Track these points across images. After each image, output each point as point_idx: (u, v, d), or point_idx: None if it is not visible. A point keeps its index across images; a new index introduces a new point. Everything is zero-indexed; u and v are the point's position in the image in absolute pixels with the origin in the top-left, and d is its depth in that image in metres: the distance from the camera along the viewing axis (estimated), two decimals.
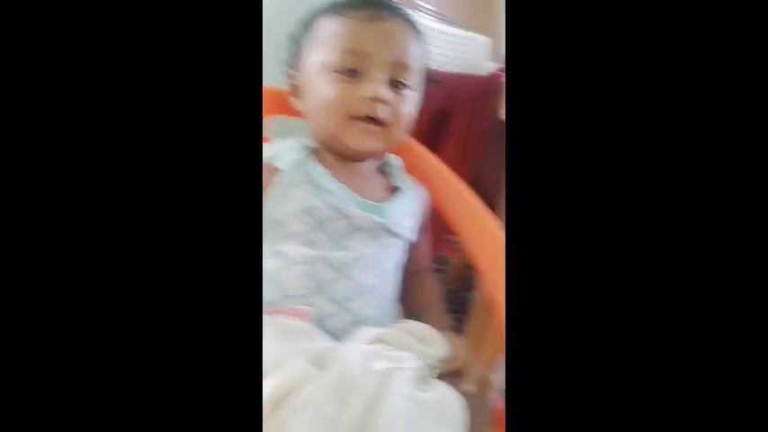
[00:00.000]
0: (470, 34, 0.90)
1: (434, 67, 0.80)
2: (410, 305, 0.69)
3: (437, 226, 0.74)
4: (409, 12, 0.71)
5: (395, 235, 0.66)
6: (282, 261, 0.61)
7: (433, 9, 0.90)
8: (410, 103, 0.68)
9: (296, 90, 0.72)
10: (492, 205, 0.69)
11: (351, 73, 0.64)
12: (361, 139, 0.65)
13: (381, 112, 0.64)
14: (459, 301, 0.79)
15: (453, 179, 0.74)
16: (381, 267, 0.64)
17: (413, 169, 0.75)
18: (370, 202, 0.65)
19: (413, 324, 0.61)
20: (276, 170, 0.65)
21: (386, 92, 0.63)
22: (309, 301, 0.60)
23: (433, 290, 0.72)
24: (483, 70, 0.91)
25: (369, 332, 0.56)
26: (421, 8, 0.89)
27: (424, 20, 0.86)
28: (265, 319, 0.56)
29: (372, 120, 0.65)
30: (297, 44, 0.72)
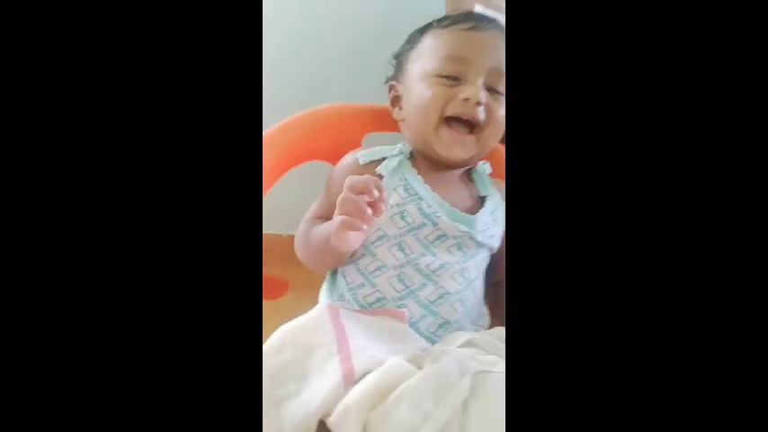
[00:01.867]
0: None
1: None
2: (496, 314, 0.72)
3: None
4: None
5: (480, 245, 0.69)
6: (376, 263, 0.65)
7: None
8: (504, 110, 0.70)
9: (396, 100, 0.75)
10: None
11: (450, 78, 0.67)
12: (452, 146, 0.67)
13: (477, 112, 0.66)
14: None
15: None
16: (465, 275, 0.67)
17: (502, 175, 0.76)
18: (459, 212, 0.68)
19: (502, 330, 0.63)
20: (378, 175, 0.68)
21: (483, 94, 0.66)
22: (402, 303, 0.63)
23: None
24: None
25: (460, 336, 0.59)
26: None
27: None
28: (370, 318, 0.60)
29: (466, 123, 0.67)
30: (401, 58, 0.76)
